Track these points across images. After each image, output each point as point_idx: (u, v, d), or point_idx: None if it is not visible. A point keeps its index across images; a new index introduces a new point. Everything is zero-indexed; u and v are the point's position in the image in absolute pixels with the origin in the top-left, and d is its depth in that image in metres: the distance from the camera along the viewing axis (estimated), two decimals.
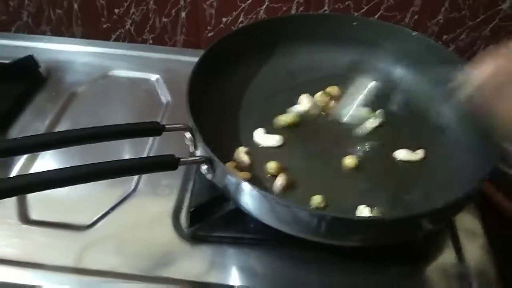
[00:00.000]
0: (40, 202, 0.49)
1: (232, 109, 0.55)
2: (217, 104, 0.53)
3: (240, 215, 0.44)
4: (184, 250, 0.46)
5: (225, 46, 0.54)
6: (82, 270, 0.44)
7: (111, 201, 0.49)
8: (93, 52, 0.71)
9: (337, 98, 0.56)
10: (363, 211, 0.45)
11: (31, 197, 0.50)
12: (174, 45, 0.75)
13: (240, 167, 0.48)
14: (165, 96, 0.64)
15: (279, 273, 0.45)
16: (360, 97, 0.56)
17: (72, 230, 0.47)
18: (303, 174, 0.48)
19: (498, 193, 0.52)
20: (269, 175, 0.48)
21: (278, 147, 0.51)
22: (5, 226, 0.47)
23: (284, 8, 0.69)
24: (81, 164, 0.37)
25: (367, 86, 0.55)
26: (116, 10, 0.72)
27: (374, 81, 0.56)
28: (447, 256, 0.47)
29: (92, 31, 0.75)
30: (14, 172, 0.52)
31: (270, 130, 0.52)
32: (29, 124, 0.58)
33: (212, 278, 0.44)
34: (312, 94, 0.56)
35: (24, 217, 0.48)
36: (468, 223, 0.49)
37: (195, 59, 0.50)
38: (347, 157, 0.49)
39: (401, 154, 0.51)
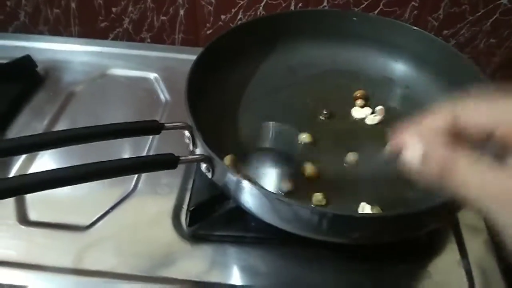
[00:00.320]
0: (39, 203, 0.49)
1: (232, 107, 0.54)
2: (217, 102, 0.53)
3: (240, 214, 0.44)
4: (184, 250, 0.45)
5: (224, 44, 0.54)
6: (81, 271, 0.43)
7: (110, 201, 0.49)
8: (91, 51, 0.70)
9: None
10: (365, 208, 0.44)
11: (30, 197, 0.49)
12: (173, 43, 0.75)
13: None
14: (163, 95, 0.63)
15: (281, 272, 0.44)
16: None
17: (71, 230, 0.47)
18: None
19: None
20: None
21: None
22: (3, 227, 0.47)
23: (283, 5, 0.68)
24: (80, 163, 0.37)
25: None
26: (114, 9, 0.71)
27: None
28: (450, 253, 0.46)
29: (89, 30, 0.74)
30: (12, 173, 0.52)
31: None
32: (27, 124, 0.58)
33: (213, 278, 0.43)
34: (313, 89, 0.56)
35: (23, 218, 0.48)
36: (470, 219, 0.49)
37: (194, 57, 0.50)
38: (349, 154, 0.49)
39: None
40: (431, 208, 0.39)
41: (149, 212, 0.49)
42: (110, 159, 0.38)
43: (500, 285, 0.44)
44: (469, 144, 0.26)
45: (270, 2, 0.68)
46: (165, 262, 0.45)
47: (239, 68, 0.57)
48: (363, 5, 0.67)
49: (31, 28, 0.76)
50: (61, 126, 0.58)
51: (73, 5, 0.72)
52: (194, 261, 0.45)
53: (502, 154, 0.25)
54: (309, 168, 0.47)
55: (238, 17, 0.70)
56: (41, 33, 0.76)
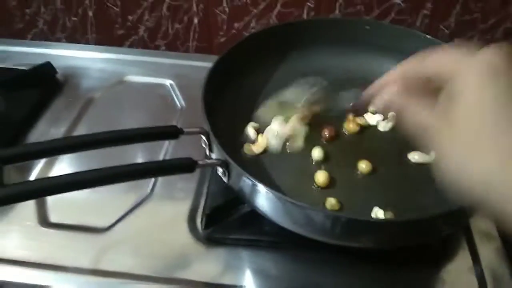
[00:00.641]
0: (59, 205, 0.50)
1: (246, 112, 0.55)
2: (231, 108, 0.54)
3: (255, 218, 0.45)
4: (199, 252, 0.46)
5: (238, 52, 0.55)
6: (100, 272, 0.45)
7: (128, 205, 0.50)
8: (108, 59, 0.72)
9: None
10: (377, 213, 0.45)
11: (51, 200, 0.51)
12: (187, 51, 0.77)
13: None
14: (179, 101, 0.65)
15: (293, 276, 0.45)
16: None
17: (91, 232, 0.48)
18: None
19: None
20: None
21: None
22: (25, 229, 0.48)
23: (295, 13, 0.69)
24: (99, 167, 0.38)
25: None
26: (130, 17, 0.73)
27: None
28: (463, 259, 0.47)
29: (106, 38, 0.76)
30: (33, 176, 0.53)
31: None
32: (47, 129, 0.60)
33: (227, 280, 0.44)
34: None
35: (44, 220, 0.49)
36: (483, 226, 0.49)
37: (208, 65, 0.51)
38: (361, 161, 0.50)
39: (415, 156, 0.51)
40: (443, 213, 0.40)
41: (165, 215, 0.50)
42: (127, 163, 0.39)
43: None
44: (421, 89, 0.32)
45: (282, 10, 0.69)
46: (180, 264, 0.46)
47: (253, 75, 0.58)
48: (375, 14, 0.68)
49: (49, 35, 0.78)
50: (79, 131, 0.59)
51: (90, 13, 0.74)
52: (209, 264, 0.45)
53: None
54: (321, 175, 0.48)
55: (251, 25, 0.72)
56: (58, 40, 0.78)
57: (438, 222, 0.41)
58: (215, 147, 0.43)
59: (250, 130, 0.52)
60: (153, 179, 0.53)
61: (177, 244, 0.47)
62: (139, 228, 0.48)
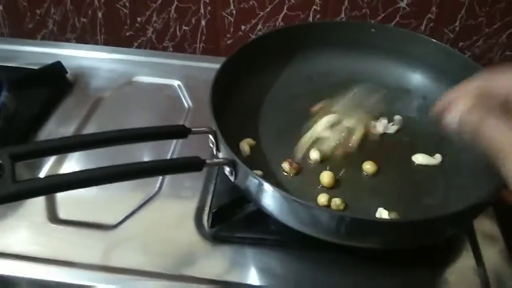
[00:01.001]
0: (68, 202, 0.51)
1: (253, 113, 0.56)
2: (238, 108, 0.55)
3: (261, 216, 0.46)
4: (206, 250, 0.47)
5: (246, 53, 0.56)
6: (108, 268, 0.45)
7: (136, 202, 0.51)
8: (117, 59, 0.73)
9: None
10: (382, 213, 0.46)
11: (60, 197, 0.52)
12: (194, 52, 0.77)
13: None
14: (186, 101, 0.65)
15: (299, 275, 0.45)
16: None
17: (99, 229, 0.49)
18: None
19: None
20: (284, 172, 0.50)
21: None
22: (34, 225, 0.49)
23: (301, 16, 0.70)
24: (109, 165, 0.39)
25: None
26: (139, 19, 0.74)
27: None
28: (466, 261, 0.47)
29: (115, 39, 0.77)
30: (43, 173, 0.54)
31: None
32: (57, 127, 0.60)
33: (233, 278, 0.45)
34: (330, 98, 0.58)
35: (53, 216, 0.50)
36: (486, 228, 0.50)
37: (215, 66, 0.52)
38: (366, 162, 0.50)
39: (419, 158, 0.51)
40: (448, 214, 0.40)
41: (172, 213, 0.50)
42: (136, 161, 0.40)
43: None
44: (498, 107, 0.33)
45: (289, 13, 0.70)
46: (187, 261, 0.46)
47: (260, 76, 0.59)
48: (380, 17, 0.69)
49: (59, 36, 0.79)
50: (88, 130, 0.60)
51: (99, 14, 0.75)
52: (215, 261, 0.46)
53: None
54: (327, 176, 0.48)
55: (258, 28, 0.73)
56: (68, 40, 0.79)
57: (442, 223, 0.41)
58: (222, 146, 0.44)
59: (245, 146, 0.51)
60: (160, 178, 0.53)
61: (184, 242, 0.48)
62: (147, 226, 0.49)
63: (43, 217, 0.50)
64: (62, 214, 0.50)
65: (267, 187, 0.40)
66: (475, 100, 0.34)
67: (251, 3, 0.70)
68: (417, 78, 0.60)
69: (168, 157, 0.55)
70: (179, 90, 0.67)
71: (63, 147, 0.43)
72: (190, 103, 0.65)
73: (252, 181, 0.42)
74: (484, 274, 0.46)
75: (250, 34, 0.73)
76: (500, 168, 0.31)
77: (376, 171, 0.50)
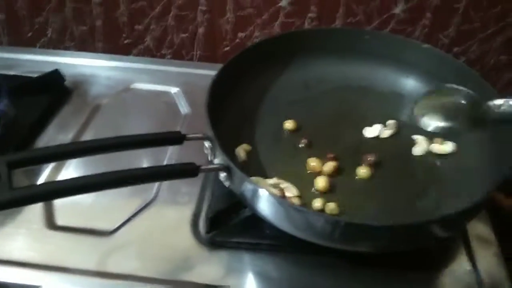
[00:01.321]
0: (66, 209, 0.51)
1: (249, 119, 0.57)
2: (234, 114, 0.55)
3: (256, 222, 0.46)
4: (202, 255, 0.47)
5: (242, 60, 0.56)
6: (105, 274, 0.45)
7: (133, 208, 0.51)
8: (115, 67, 0.74)
9: None
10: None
11: (57, 204, 0.52)
12: (192, 59, 0.78)
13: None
14: (183, 108, 0.66)
15: (294, 279, 0.46)
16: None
17: (96, 235, 0.49)
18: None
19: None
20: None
21: None
22: (32, 232, 0.49)
23: (297, 23, 0.71)
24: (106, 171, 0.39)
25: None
26: (137, 27, 0.75)
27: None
28: (460, 264, 0.47)
29: (113, 47, 0.78)
30: (41, 180, 0.54)
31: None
32: (55, 135, 0.61)
33: (229, 282, 0.45)
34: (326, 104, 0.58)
35: (50, 223, 0.50)
36: (481, 231, 0.50)
37: (212, 73, 0.53)
38: (361, 167, 0.51)
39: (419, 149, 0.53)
40: (440, 218, 0.41)
41: (169, 219, 0.51)
42: (132, 168, 0.40)
43: None
44: None
45: (285, 20, 0.71)
46: (183, 266, 0.47)
47: (256, 82, 0.59)
48: (375, 23, 0.69)
49: (58, 44, 0.79)
50: (87, 136, 0.61)
51: (98, 22, 0.76)
52: (211, 266, 0.46)
53: None
54: (321, 181, 0.49)
55: (255, 35, 0.73)
56: (67, 49, 0.80)
57: (435, 227, 0.41)
58: (217, 152, 0.45)
59: (241, 151, 0.52)
60: (157, 184, 0.54)
61: (181, 247, 0.48)
62: (144, 231, 0.49)
63: (40, 223, 0.50)
64: (60, 221, 0.50)
65: (262, 192, 0.41)
66: None
67: (248, 11, 0.70)
68: (410, 83, 0.60)
69: (165, 163, 0.56)
70: (176, 97, 0.68)
71: (60, 154, 0.44)
72: (187, 110, 0.66)
73: (247, 186, 0.42)
74: (478, 277, 0.46)
75: (247, 41, 0.74)
76: None
77: (371, 176, 0.50)
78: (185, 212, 0.51)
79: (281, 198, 0.41)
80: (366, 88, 0.61)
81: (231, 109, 0.55)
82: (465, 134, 0.53)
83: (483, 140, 0.52)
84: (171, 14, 0.73)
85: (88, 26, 0.76)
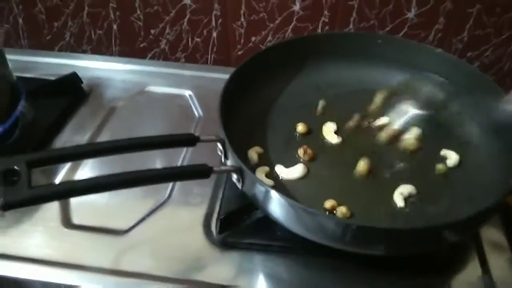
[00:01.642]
0: (82, 208, 0.52)
1: (261, 122, 0.57)
2: (247, 117, 0.56)
3: (268, 223, 0.46)
4: (214, 256, 0.48)
5: (255, 64, 0.57)
6: (119, 272, 0.46)
7: (146, 208, 0.52)
8: (130, 70, 0.75)
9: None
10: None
11: (73, 203, 0.53)
12: (205, 63, 0.79)
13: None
14: (197, 111, 0.67)
15: (305, 281, 0.46)
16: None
17: (111, 234, 0.50)
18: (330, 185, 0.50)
19: None
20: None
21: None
22: (48, 229, 0.50)
23: (310, 27, 0.72)
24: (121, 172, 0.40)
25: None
26: (152, 31, 0.76)
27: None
28: (472, 269, 0.47)
29: (129, 50, 0.80)
30: (58, 180, 0.56)
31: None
32: (72, 136, 0.62)
33: (240, 283, 0.46)
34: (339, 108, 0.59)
35: (67, 222, 0.51)
36: (493, 237, 0.50)
37: (226, 76, 0.53)
38: (362, 163, 0.51)
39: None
40: (452, 222, 0.41)
41: (182, 219, 0.52)
42: (146, 168, 0.41)
43: None
44: None
45: (298, 25, 0.72)
46: (195, 266, 0.47)
47: (269, 86, 0.60)
48: (388, 28, 0.70)
49: (76, 47, 0.81)
50: (102, 138, 0.62)
51: (114, 27, 0.77)
52: (223, 267, 0.47)
53: None
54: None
55: (268, 39, 0.74)
56: (84, 52, 0.81)
57: (447, 231, 0.41)
58: (230, 154, 0.45)
59: (253, 154, 0.52)
60: (171, 185, 0.55)
61: (193, 247, 0.49)
62: (157, 231, 0.50)
63: (57, 222, 0.51)
64: (76, 219, 0.52)
65: (274, 194, 0.41)
66: None
67: (261, 15, 0.71)
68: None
69: (178, 165, 0.57)
70: (190, 100, 0.69)
71: (77, 154, 0.45)
72: (201, 112, 0.66)
73: (259, 188, 0.43)
74: (490, 282, 0.46)
75: (260, 45, 0.75)
76: None
77: (384, 177, 0.50)
78: (198, 213, 0.52)
79: (293, 201, 0.41)
80: (379, 92, 0.61)
81: (244, 112, 0.56)
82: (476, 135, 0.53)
83: (496, 146, 0.52)
84: (185, 19, 0.74)
85: (104, 30, 0.78)
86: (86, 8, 0.75)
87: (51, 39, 0.81)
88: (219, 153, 0.48)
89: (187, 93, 0.70)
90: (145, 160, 0.53)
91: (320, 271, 0.47)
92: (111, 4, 0.74)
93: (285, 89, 0.61)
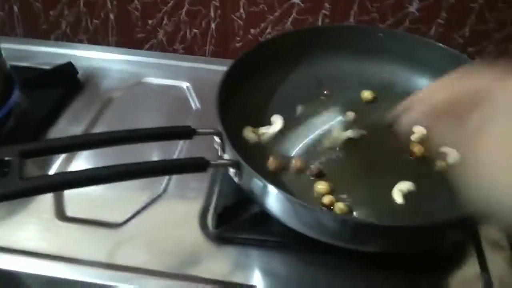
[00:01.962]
0: (76, 200, 0.52)
1: (259, 115, 0.56)
2: (245, 110, 0.55)
3: (264, 218, 0.46)
4: (210, 250, 0.47)
5: (254, 56, 0.56)
6: (113, 265, 0.46)
7: (142, 202, 0.52)
8: (127, 60, 0.74)
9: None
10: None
11: (67, 195, 0.52)
12: (203, 55, 0.78)
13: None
14: (194, 103, 0.66)
15: (301, 276, 0.46)
16: None
17: (105, 227, 0.49)
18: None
19: None
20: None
21: None
22: (41, 222, 0.50)
23: (310, 20, 0.71)
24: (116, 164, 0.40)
25: None
26: (150, 21, 0.75)
27: None
28: (471, 267, 0.47)
29: (126, 41, 0.78)
30: (52, 171, 0.55)
31: None
32: (67, 126, 0.61)
33: (236, 278, 0.45)
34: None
35: (60, 214, 0.51)
36: (492, 235, 0.49)
37: (224, 68, 0.53)
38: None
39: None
40: (451, 219, 0.40)
41: (177, 213, 0.51)
42: (142, 161, 0.40)
43: None
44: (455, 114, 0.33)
45: (297, 17, 0.71)
46: (191, 261, 0.47)
47: (267, 79, 0.59)
48: (389, 22, 0.69)
49: (72, 37, 0.80)
50: (98, 129, 0.61)
51: (111, 16, 0.76)
52: (219, 262, 0.47)
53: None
54: (320, 186, 0.48)
55: (267, 31, 0.73)
56: (80, 42, 0.80)
57: (445, 229, 0.41)
58: (227, 148, 0.45)
59: (249, 133, 0.52)
60: (166, 178, 0.54)
61: (189, 242, 0.48)
62: (152, 225, 0.50)
63: (51, 214, 0.51)
64: (70, 212, 0.51)
65: (271, 189, 0.41)
66: (427, 105, 0.36)
67: (260, 6, 0.70)
68: (424, 83, 0.60)
69: (175, 157, 0.56)
70: (187, 92, 0.68)
71: (71, 145, 0.44)
72: (198, 105, 0.66)
73: (256, 182, 0.42)
74: (489, 280, 0.45)
75: (259, 38, 0.74)
76: None
77: (379, 172, 0.50)
78: (194, 207, 0.51)
79: (290, 196, 0.40)
80: (379, 86, 0.60)
81: (241, 105, 0.55)
82: None
83: None
84: (183, 9, 0.73)
85: (101, 20, 0.77)
86: None
87: (47, 28, 0.80)
88: (216, 146, 0.47)
89: (185, 85, 0.69)
90: (141, 153, 0.52)
91: (317, 267, 0.46)
92: None
93: (284, 83, 0.61)
